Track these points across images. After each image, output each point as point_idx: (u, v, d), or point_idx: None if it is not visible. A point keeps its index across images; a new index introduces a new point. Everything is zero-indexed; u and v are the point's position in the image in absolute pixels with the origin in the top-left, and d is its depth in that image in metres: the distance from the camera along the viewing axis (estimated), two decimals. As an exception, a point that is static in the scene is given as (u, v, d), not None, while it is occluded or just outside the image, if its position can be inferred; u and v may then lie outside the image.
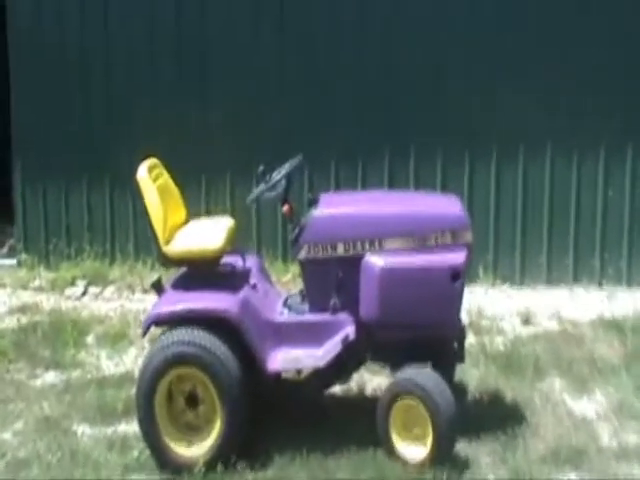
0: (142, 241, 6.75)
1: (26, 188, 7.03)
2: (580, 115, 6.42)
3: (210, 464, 3.77)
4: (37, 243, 7.05)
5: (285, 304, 4.33)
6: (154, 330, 4.01)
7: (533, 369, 4.91)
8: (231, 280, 4.13)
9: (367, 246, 3.94)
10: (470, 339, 5.04)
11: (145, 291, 6.35)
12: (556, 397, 4.61)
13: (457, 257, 3.91)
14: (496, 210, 6.65)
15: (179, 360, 3.79)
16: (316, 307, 4.09)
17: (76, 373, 5.10)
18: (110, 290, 6.64)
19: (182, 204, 4.46)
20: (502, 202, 6.65)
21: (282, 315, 4.18)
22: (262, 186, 4.15)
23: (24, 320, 5.98)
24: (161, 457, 3.85)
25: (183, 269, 4.25)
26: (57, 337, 5.57)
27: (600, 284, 6.52)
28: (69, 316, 6.04)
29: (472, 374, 4.73)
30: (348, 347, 3.93)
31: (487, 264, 6.56)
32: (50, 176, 6.95)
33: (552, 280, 6.60)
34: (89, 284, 6.73)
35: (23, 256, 7.04)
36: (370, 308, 3.90)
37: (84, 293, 6.62)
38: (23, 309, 6.24)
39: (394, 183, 6.66)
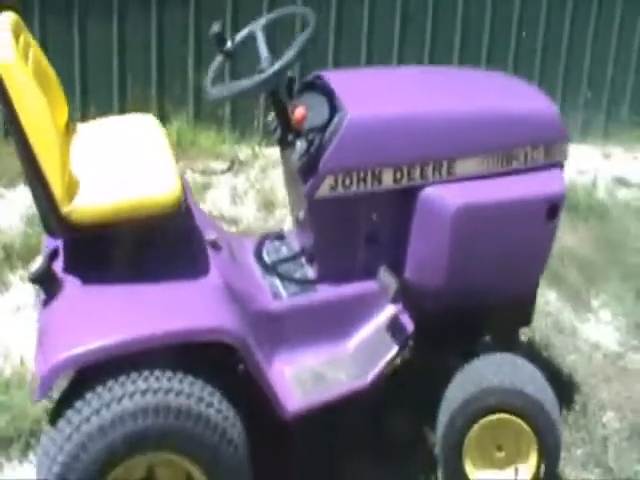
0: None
1: None
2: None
3: None
4: None
5: (267, 269, 2.61)
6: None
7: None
8: (188, 251, 2.35)
9: (429, 172, 2.39)
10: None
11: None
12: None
13: (555, 183, 2.52)
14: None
15: (145, 445, 2.01)
16: (333, 273, 2.50)
17: None
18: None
19: (62, 96, 2.56)
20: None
21: (279, 297, 2.48)
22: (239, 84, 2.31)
23: None
24: None
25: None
26: None
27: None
28: None
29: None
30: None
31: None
32: None
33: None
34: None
35: None
36: (432, 269, 2.44)
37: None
38: None
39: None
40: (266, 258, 2.69)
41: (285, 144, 2.42)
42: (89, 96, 4.57)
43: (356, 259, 2.50)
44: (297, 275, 2.60)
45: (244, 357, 2.18)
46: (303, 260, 2.66)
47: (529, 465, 2.48)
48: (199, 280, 2.25)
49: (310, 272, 2.59)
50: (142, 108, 4.45)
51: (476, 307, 2.56)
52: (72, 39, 4.48)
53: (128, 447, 2.00)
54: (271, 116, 2.49)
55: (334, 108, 2.36)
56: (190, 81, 4.71)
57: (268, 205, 4.29)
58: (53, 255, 2.34)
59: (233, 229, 3.96)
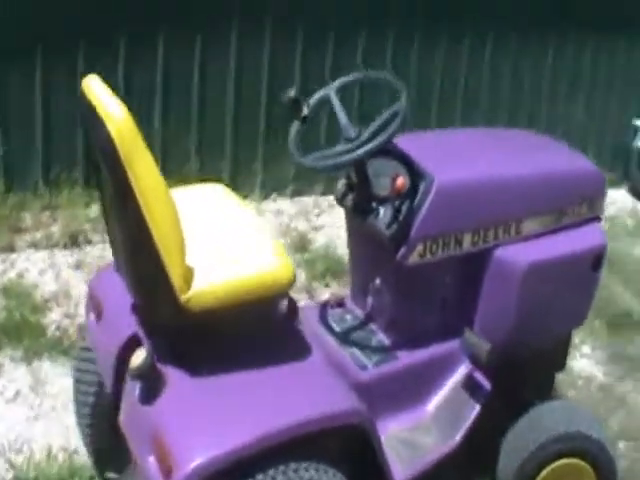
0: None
1: None
2: None
3: None
4: None
5: (341, 338, 2.58)
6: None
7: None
8: (287, 328, 2.31)
9: (500, 233, 2.47)
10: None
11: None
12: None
13: (597, 236, 2.66)
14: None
15: None
16: (411, 338, 2.54)
17: None
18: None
19: None
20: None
21: (364, 368, 2.47)
22: (343, 146, 2.29)
23: None
24: None
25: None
26: None
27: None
28: None
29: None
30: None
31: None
32: None
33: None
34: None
35: None
36: (498, 325, 2.50)
37: None
38: None
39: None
40: (335, 327, 2.64)
41: (365, 212, 2.41)
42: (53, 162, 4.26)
43: (431, 322, 2.56)
44: (374, 343, 2.58)
45: (369, 435, 2.13)
46: (373, 327, 2.65)
47: None
48: (307, 359, 2.20)
49: (386, 339, 2.60)
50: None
51: (530, 357, 2.64)
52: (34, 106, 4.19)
53: None
54: (341, 183, 2.49)
55: (416, 174, 2.37)
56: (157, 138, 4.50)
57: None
58: (136, 343, 2.18)
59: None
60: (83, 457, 2.81)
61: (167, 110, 4.49)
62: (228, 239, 2.20)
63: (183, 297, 1.94)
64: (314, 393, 2.10)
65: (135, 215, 1.84)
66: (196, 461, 1.85)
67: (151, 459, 1.97)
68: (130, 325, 2.22)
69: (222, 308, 2.01)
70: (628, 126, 6.32)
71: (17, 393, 3.15)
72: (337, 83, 2.45)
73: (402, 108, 2.26)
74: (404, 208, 2.33)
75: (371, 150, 2.24)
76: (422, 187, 2.33)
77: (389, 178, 2.35)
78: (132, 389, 2.13)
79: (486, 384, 2.51)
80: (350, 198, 2.47)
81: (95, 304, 2.44)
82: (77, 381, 2.67)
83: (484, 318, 2.53)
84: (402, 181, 2.31)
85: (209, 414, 1.97)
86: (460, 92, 5.30)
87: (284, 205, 4.77)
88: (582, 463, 2.58)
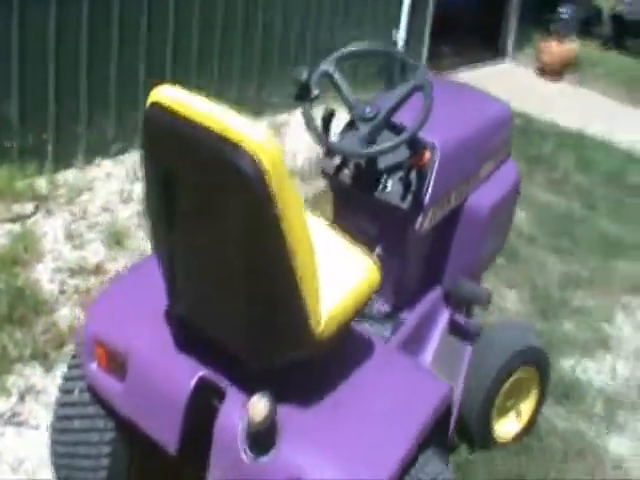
0: None
1: None
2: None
3: None
4: None
5: None
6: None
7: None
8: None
9: (472, 183, 2.60)
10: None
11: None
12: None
13: (514, 168, 2.90)
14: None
15: None
16: (408, 298, 2.61)
17: None
18: None
19: None
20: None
21: (387, 339, 2.49)
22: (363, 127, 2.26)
23: None
24: None
25: None
26: None
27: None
28: None
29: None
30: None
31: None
32: None
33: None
34: None
35: None
36: (470, 262, 2.68)
37: None
38: None
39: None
40: None
41: (370, 186, 2.40)
42: None
43: (420, 280, 2.65)
44: (376, 312, 2.61)
45: (452, 405, 2.18)
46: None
47: (529, 403, 3.05)
48: (385, 351, 2.20)
49: (384, 305, 2.62)
50: None
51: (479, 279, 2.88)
52: None
53: None
54: (337, 159, 2.45)
55: (417, 141, 2.33)
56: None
57: (115, 236, 3.81)
58: (207, 388, 1.97)
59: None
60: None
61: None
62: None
63: (319, 328, 1.81)
64: (420, 382, 2.11)
65: (277, 246, 1.65)
66: None
67: None
68: (189, 370, 1.96)
69: (343, 329, 1.93)
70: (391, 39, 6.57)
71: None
72: (335, 56, 2.38)
73: (426, 82, 2.23)
74: (413, 178, 2.35)
75: (417, 131, 2.25)
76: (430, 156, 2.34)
77: (399, 151, 2.32)
78: (228, 442, 1.86)
79: (469, 323, 2.68)
80: (347, 173, 2.42)
81: (107, 353, 2.08)
82: (73, 444, 2.26)
83: (457, 261, 2.66)
84: (428, 155, 2.29)
85: (348, 444, 1.84)
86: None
87: (108, 167, 4.39)
88: (532, 370, 2.97)
